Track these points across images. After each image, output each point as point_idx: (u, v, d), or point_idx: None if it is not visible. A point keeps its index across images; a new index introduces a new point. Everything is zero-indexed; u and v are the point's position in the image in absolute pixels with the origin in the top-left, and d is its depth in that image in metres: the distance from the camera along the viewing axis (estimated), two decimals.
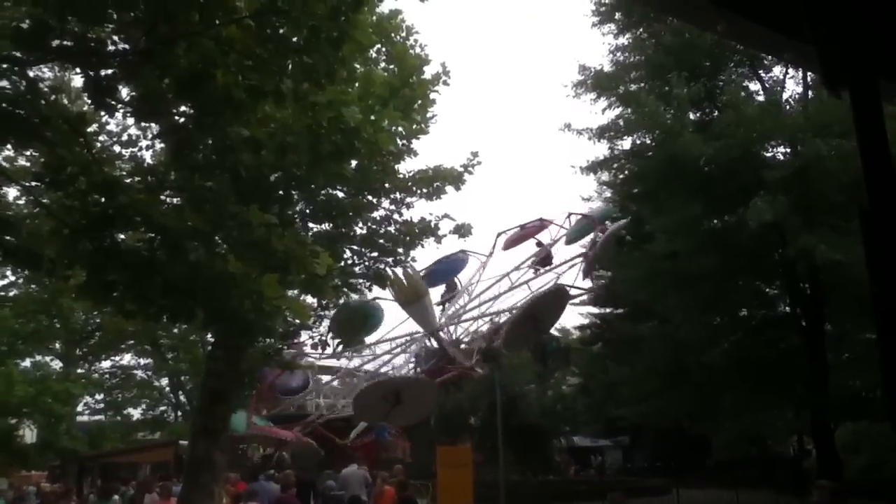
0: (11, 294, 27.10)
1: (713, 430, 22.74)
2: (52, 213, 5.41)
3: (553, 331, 42.22)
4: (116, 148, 11.94)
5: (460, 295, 28.15)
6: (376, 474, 16.22)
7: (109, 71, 6.37)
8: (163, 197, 7.46)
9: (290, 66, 5.74)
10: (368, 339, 28.74)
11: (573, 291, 24.90)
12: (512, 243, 27.18)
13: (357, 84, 6.82)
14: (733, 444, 20.41)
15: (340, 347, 26.77)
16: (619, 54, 22.70)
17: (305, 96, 5.82)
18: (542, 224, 26.97)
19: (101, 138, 12.48)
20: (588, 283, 26.07)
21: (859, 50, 2.90)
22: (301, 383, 24.30)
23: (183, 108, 6.72)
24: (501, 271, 27.80)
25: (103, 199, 5.18)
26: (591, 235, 24.11)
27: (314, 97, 5.88)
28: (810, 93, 19.92)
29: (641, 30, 22.49)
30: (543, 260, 26.27)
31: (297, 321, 15.81)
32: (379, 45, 11.50)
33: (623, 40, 22.94)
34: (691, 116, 20.59)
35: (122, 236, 6.14)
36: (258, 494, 13.69)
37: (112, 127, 11.99)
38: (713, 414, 20.64)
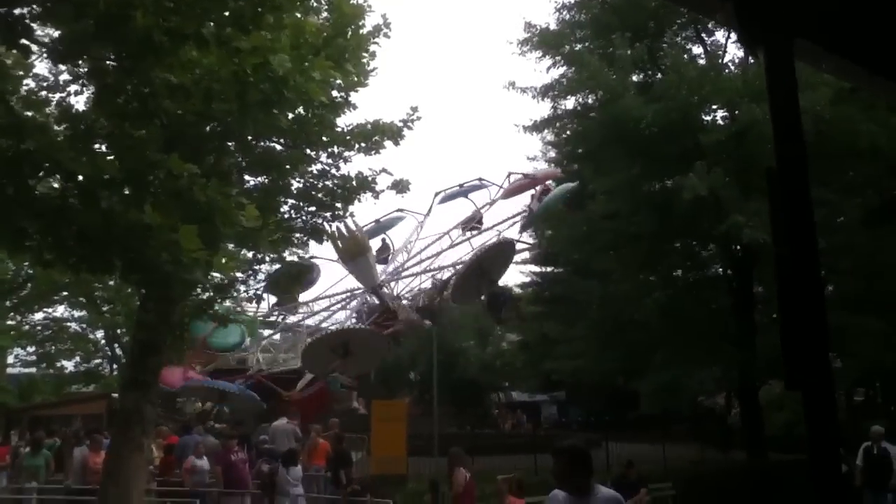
0: None
1: (644, 382, 23.41)
2: None
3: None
4: (47, 94, 11.52)
5: (398, 253, 28.15)
6: (310, 427, 16.24)
7: (24, 10, 6.03)
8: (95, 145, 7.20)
9: (213, 9, 5.49)
10: (304, 297, 28.56)
11: (518, 245, 25.16)
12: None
13: (287, 31, 6.57)
14: (656, 396, 21.03)
15: (274, 304, 26.56)
16: (565, 12, 22.58)
17: (229, 41, 5.59)
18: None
19: (27, 82, 11.94)
20: (528, 239, 26.37)
21: (775, 8, 2.88)
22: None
23: (103, 52, 6.39)
24: (439, 231, 27.92)
25: (9, 143, 4.90)
26: (532, 192, 24.27)
27: (238, 43, 5.66)
28: (751, 58, 20.15)
29: None
30: (475, 222, 26.46)
31: (233, 275, 15.66)
32: None
33: None
34: (634, 78, 20.66)
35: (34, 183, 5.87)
36: (189, 448, 13.58)
37: (44, 71, 11.46)
38: (645, 370, 21.19)
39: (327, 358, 19.67)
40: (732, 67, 20.94)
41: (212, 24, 5.42)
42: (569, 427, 40.77)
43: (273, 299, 26.22)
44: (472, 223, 26.44)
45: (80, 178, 4.94)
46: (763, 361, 17.90)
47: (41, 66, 11.39)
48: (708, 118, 19.98)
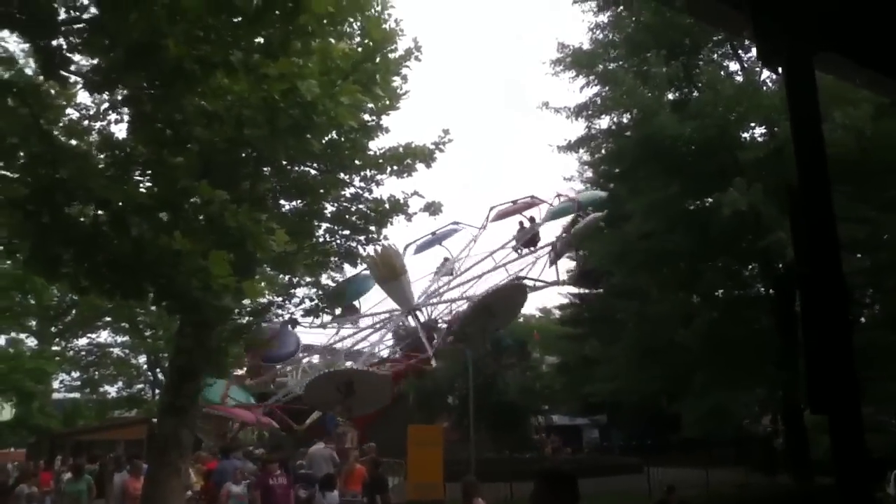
0: None
1: (687, 407, 22.97)
2: None
3: (534, 310, 42.36)
4: (89, 123, 11.84)
5: (448, 268, 28.16)
6: (348, 452, 16.23)
7: (62, 41, 6.20)
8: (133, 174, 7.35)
9: (242, 37, 5.58)
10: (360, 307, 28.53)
11: (539, 284, 24.93)
12: (502, 216, 27.14)
13: (315, 57, 6.66)
14: (700, 422, 20.57)
15: (336, 317, 26.65)
16: (598, 32, 22.54)
17: (257, 68, 5.67)
18: (532, 201, 27.03)
19: (70, 111, 12.28)
20: (554, 274, 26.11)
21: (795, 22, 2.82)
22: (293, 348, 23.99)
23: (137, 81, 6.54)
24: (493, 246, 27.85)
25: (44, 172, 5.02)
26: (569, 220, 24.10)
27: (266, 69, 5.74)
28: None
29: (621, 7, 22.31)
30: (530, 240, 26.29)
31: (269, 298, 15.79)
32: (351, 20, 11.35)
33: (603, 18, 22.79)
34: (670, 96, 20.50)
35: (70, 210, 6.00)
36: (227, 473, 13.66)
37: (86, 100, 11.78)
38: (686, 392, 20.79)
39: (331, 395, 19.75)
40: (770, 84, 20.68)
41: (240, 51, 5.49)
42: (610, 451, 40.16)
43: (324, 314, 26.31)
44: (526, 238, 26.35)
45: (112, 205, 5.03)
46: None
47: (84, 96, 11.79)
48: (746, 135, 19.71)
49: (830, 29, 3.01)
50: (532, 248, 25.11)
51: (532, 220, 25.66)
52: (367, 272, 22.13)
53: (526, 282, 24.42)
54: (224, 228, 5.86)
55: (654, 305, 20.70)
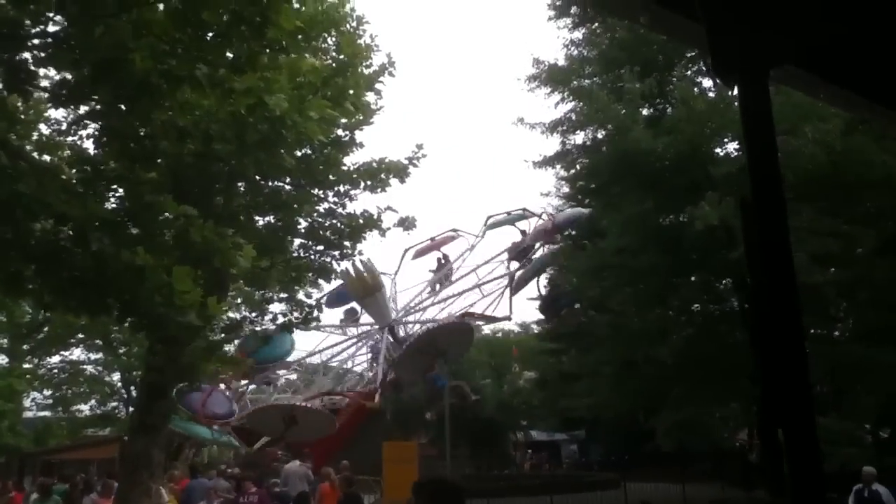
0: None
1: (661, 419, 23.03)
2: None
3: (513, 324, 42.41)
4: (62, 139, 11.72)
5: (448, 270, 28.46)
6: (327, 472, 16.04)
7: (25, 55, 6.13)
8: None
9: (209, 52, 5.54)
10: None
11: (484, 319, 25.52)
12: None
13: (283, 72, 6.64)
14: (672, 433, 20.63)
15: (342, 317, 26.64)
16: (573, 48, 22.74)
17: (223, 83, 5.64)
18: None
19: (41, 126, 12.16)
20: (506, 309, 26.47)
21: (748, 37, 2.84)
22: (227, 409, 23.84)
23: (103, 96, 6.48)
24: (489, 253, 28.53)
25: (3, 186, 4.94)
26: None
27: (231, 84, 5.71)
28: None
29: (596, 24, 22.53)
30: (520, 252, 26.75)
31: (244, 314, 15.65)
32: (325, 35, 11.36)
33: (578, 34, 23.00)
34: (644, 112, 20.68)
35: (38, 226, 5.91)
36: (196, 492, 13.48)
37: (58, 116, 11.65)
38: (662, 407, 20.83)
39: (275, 424, 20.46)
40: None
41: (206, 66, 5.46)
42: (589, 466, 40.08)
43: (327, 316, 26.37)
44: (518, 250, 26.69)
45: (72, 220, 4.96)
46: None
47: (56, 111, 11.67)
48: (720, 150, 19.92)
49: (790, 43, 3.04)
50: (524, 259, 25.56)
51: (444, 257, 26.45)
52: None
53: (478, 319, 24.98)
54: (190, 244, 5.79)
55: (631, 320, 20.77)
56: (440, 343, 21.12)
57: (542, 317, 41.31)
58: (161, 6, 5.78)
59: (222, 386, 23.48)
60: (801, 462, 2.13)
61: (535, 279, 24.65)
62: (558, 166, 24.47)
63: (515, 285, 23.01)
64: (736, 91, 2.78)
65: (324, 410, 22.68)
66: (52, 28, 6.20)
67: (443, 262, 26.56)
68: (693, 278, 21.00)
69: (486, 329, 37.20)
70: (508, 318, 28.06)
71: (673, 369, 19.61)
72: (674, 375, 19.80)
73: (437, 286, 27.97)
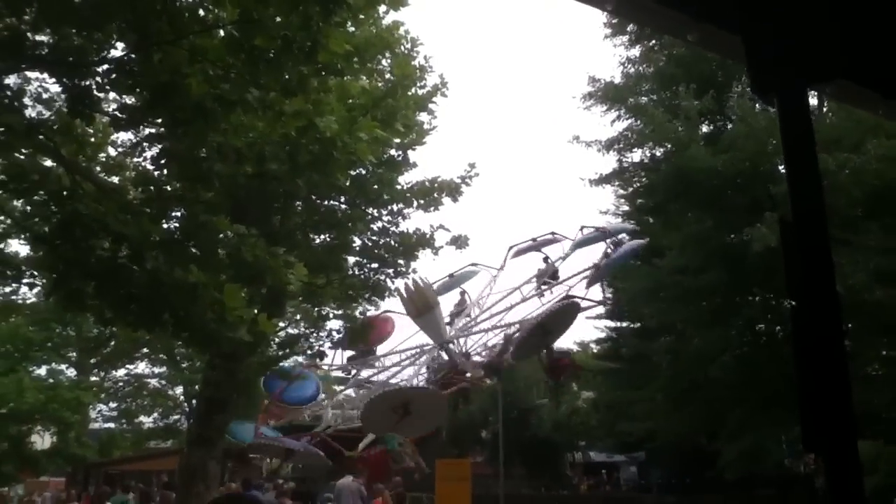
0: (28, 301, 27.36)
1: (724, 446, 22.43)
2: (14, 220, 5.42)
3: (572, 344, 41.95)
4: (127, 160, 12.20)
5: (470, 308, 28.05)
6: (380, 488, 16.10)
7: (89, 81, 6.40)
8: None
9: (261, 76, 5.70)
10: (380, 350, 28.63)
11: (584, 304, 24.71)
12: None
13: (333, 93, 6.78)
14: (737, 462, 20.02)
15: (349, 357, 26.70)
16: (629, 66, 22.59)
17: (273, 106, 5.79)
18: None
19: (110, 149, 12.66)
20: (596, 295, 25.83)
21: (788, 53, 2.78)
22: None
23: (160, 119, 6.72)
24: (512, 285, 27.68)
25: (64, 207, 5.16)
26: (603, 246, 23.93)
27: (281, 107, 5.86)
28: (825, 107, 19.63)
29: (654, 41, 22.35)
30: (550, 276, 26.12)
31: (299, 331, 15.88)
32: (380, 57, 11.55)
33: (635, 52, 22.87)
34: (703, 129, 20.40)
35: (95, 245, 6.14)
36: None
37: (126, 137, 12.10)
38: (724, 430, 20.31)
39: (387, 417, 19.63)
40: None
41: (257, 90, 5.61)
42: (648, 489, 39.19)
43: (346, 354, 26.40)
44: (546, 277, 26.19)
45: (128, 239, 5.15)
46: None
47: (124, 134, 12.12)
48: (781, 168, 19.44)
49: (836, 57, 2.97)
50: (554, 283, 25.05)
51: (546, 258, 25.68)
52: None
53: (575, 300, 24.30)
54: (242, 262, 5.94)
55: (689, 342, 20.37)
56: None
57: (601, 335, 40.80)
58: (217, 32, 5.97)
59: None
60: (843, 489, 2.06)
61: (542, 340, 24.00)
62: (616, 184, 24.26)
63: (516, 348, 22.56)
64: (773, 106, 2.72)
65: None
66: (113, 54, 6.48)
67: (546, 263, 26.04)
68: (756, 298, 20.51)
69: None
70: (604, 303, 27.33)
71: (735, 391, 19.13)
72: (736, 397, 19.30)
73: (534, 289, 27.38)
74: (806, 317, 2.41)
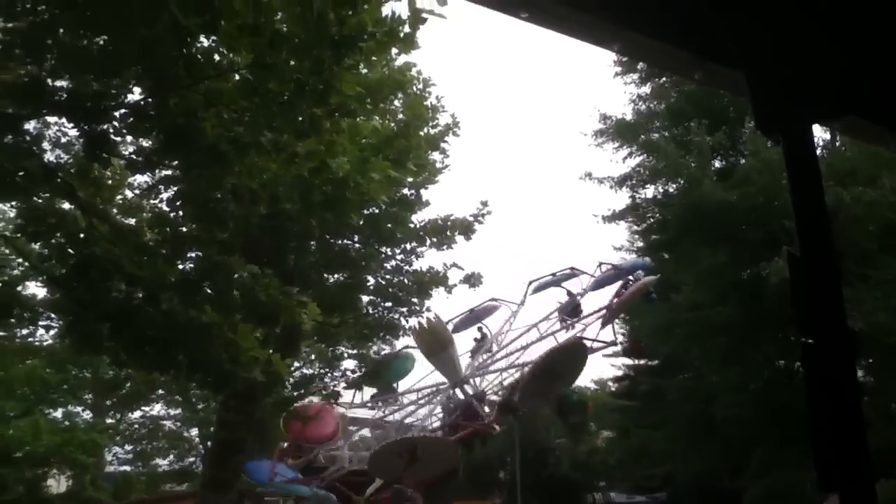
0: (45, 343, 27.52)
1: (747, 486, 21.98)
2: (31, 263, 5.49)
3: (590, 382, 41.43)
4: (143, 202, 12.38)
5: (489, 344, 27.85)
6: None
7: (105, 126, 6.52)
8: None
9: (274, 118, 5.80)
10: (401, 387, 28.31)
11: (597, 344, 24.41)
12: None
13: (345, 134, 6.87)
14: (766, 502, 19.59)
15: (373, 395, 26.49)
16: (640, 103, 22.73)
17: (286, 148, 5.88)
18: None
19: (126, 191, 12.87)
20: (609, 335, 25.52)
21: (790, 91, 2.80)
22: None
23: (175, 162, 6.82)
24: (532, 319, 27.42)
25: (80, 250, 5.23)
26: (618, 284, 23.74)
27: (294, 148, 5.94)
28: (838, 140, 19.61)
29: (664, 79, 22.50)
30: (572, 310, 25.82)
31: (315, 371, 15.83)
32: (392, 97, 11.72)
33: (645, 89, 23.01)
34: (715, 164, 20.42)
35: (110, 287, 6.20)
36: None
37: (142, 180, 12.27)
38: (746, 469, 19.95)
39: (394, 463, 19.48)
40: (819, 150, 20.41)
41: (270, 132, 5.70)
42: None
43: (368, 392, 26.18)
44: (568, 311, 25.97)
45: (143, 281, 5.20)
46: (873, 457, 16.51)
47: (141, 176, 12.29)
48: None
49: (845, 94, 2.99)
50: (576, 318, 24.72)
51: (569, 293, 25.38)
52: (408, 350, 21.97)
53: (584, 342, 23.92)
54: (256, 302, 5.97)
55: (706, 379, 20.13)
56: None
57: (618, 373, 40.38)
58: (235, 77, 6.09)
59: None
60: None
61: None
62: (629, 220, 24.23)
63: (522, 396, 22.19)
64: (778, 143, 2.74)
65: (445, 438, 21.95)
66: (129, 98, 6.61)
67: (569, 296, 25.81)
68: (777, 334, 20.25)
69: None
70: (615, 343, 26.92)
71: (755, 429, 18.82)
72: (757, 436, 18.98)
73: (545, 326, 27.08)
74: (816, 353, 2.40)
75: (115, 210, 11.10)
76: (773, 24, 2.88)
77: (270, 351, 6.72)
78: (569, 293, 26.42)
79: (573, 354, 21.54)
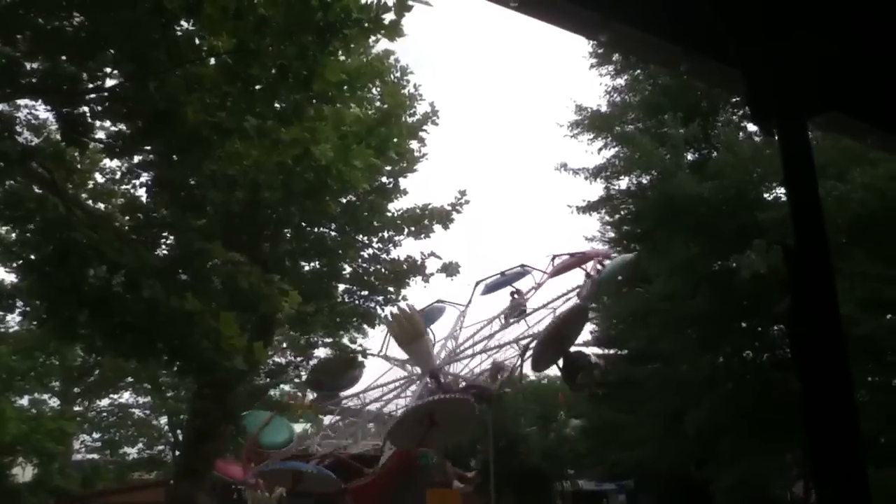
0: (11, 330, 27.04)
1: (715, 475, 22.32)
2: (7, 248, 5.39)
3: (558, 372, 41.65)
4: (115, 187, 12.15)
5: (446, 342, 27.74)
6: None
7: (83, 108, 6.40)
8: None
9: (257, 104, 5.73)
10: (348, 391, 27.91)
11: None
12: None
13: (328, 122, 6.81)
14: (732, 491, 19.92)
15: (315, 398, 26.19)
16: (615, 95, 22.82)
17: (270, 134, 5.81)
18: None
19: (97, 175, 12.61)
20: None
21: (786, 85, 2.83)
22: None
23: (155, 147, 6.72)
24: (482, 319, 27.40)
25: (59, 235, 5.13)
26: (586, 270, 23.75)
27: (278, 135, 5.88)
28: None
29: (639, 71, 22.60)
30: (517, 312, 25.79)
31: (288, 359, 15.76)
32: (370, 85, 11.64)
33: (620, 81, 23.08)
34: (689, 157, 20.59)
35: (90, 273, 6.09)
36: None
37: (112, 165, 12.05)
38: (714, 458, 20.24)
39: (413, 431, 19.46)
40: None
41: (254, 118, 5.64)
42: None
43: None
44: (516, 313, 25.93)
45: (124, 268, 5.12)
46: None
47: (111, 161, 12.07)
48: (767, 195, 19.63)
49: (830, 89, 3.03)
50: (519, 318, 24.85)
51: (516, 292, 25.40)
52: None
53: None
54: (237, 290, 5.91)
55: (677, 368, 20.37)
56: (438, 415, 20.39)
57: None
58: (212, 61, 6.00)
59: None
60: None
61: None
62: (602, 211, 24.34)
63: (535, 359, 22.13)
64: (773, 136, 2.77)
65: (458, 397, 21.80)
66: (108, 83, 6.48)
67: (516, 297, 25.77)
68: (743, 325, 20.56)
69: (532, 375, 36.35)
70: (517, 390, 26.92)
71: (724, 418, 19.10)
72: (725, 425, 19.26)
73: (497, 325, 27.04)
74: (811, 343, 2.44)
75: (84, 195, 10.90)
76: (768, 20, 2.91)
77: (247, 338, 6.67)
78: (513, 294, 26.35)
79: (580, 315, 21.60)
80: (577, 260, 24.72)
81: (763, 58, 2.74)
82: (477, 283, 26.65)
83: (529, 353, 22.62)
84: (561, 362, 23.53)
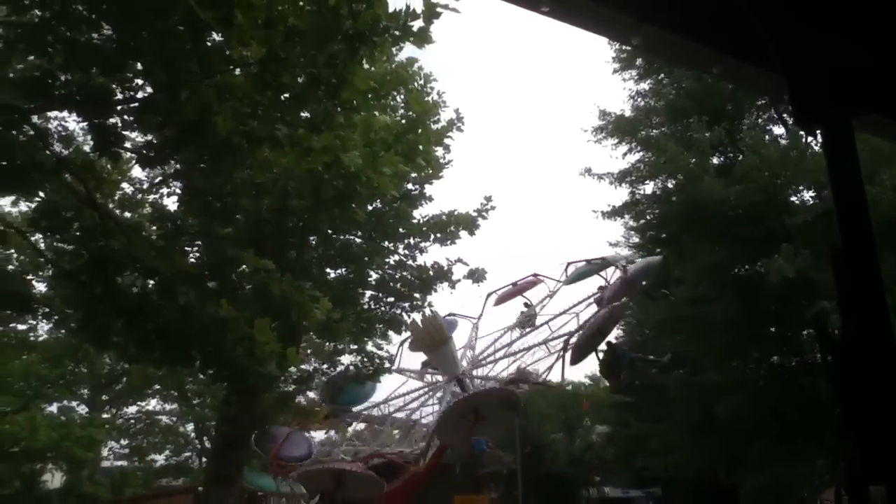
0: (41, 339, 27.39)
1: (744, 480, 22.06)
2: (45, 257, 5.46)
3: (584, 377, 41.39)
4: (142, 196, 12.29)
5: (464, 352, 27.78)
6: None
7: (115, 119, 6.47)
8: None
9: (288, 112, 5.77)
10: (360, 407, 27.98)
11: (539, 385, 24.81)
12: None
13: (357, 129, 6.85)
14: (759, 496, 19.69)
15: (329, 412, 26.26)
16: (639, 99, 22.72)
17: (301, 142, 5.85)
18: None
19: (124, 185, 12.75)
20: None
21: (831, 87, 2.81)
22: (305, 451, 23.78)
23: (187, 156, 6.78)
24: (495, 330, 27.41)
25: (96, 244, 5.20)
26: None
27: (309, 143, 5.92)
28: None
29: (662, 75, 22.50)
30: (529, 323, 25.75)
31: (314, 366, 15.81)
32: (395, 93, 11.69)
33: (644, 85, 22.99)
34: (714, 161, 20.42)
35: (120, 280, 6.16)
36: None
37: (140, 175, 12.17)
38: (742, 464, 20.02)
39: (461, 425, 19.62)
40: (816, 147, 20.44)
41: (285, 126, 5.68)
42: None
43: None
44: (528, 323, 25.90)
45: (160, 275, 5.18)
46: None
47: (138, 170, 12.19)
48: (795, 199, 19.42)
49: (869, 91, 3.00)
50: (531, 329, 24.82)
51: (527, 304, 25.39)
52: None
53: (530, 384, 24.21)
54: (269, 296, 5.96)
55: (706, 375, 20.18)
56: (482, 409, 20.47)
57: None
58: (238, 70, 6.06)
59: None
60: None
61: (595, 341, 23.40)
62: (627, 216, 24.23)
63: (574, 354, 22.09)
64: (817, 138, 2.74)
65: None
66: (140, 94, 6.56)
67: (527, 307, 25.80)
68: (772, 330, 20.32)
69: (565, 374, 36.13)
70: (562, 387, 26.87)
71: (752, 425, 18.88)
72: (754, 431, 19.05)
73: (517, 334, 27.08)
74: (860, 343, 2.40)
75: (111, 205, 11.03)
76: (811, 25, 2.89)
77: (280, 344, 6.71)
78: (526, 304, 26.22)
79: (501, 401, 21.54)
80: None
81: (808, 61, 2.72)
82: (488, 295, 26.61)
83: (573, 340, 22.62)
84: (603, 358, 23.46)
